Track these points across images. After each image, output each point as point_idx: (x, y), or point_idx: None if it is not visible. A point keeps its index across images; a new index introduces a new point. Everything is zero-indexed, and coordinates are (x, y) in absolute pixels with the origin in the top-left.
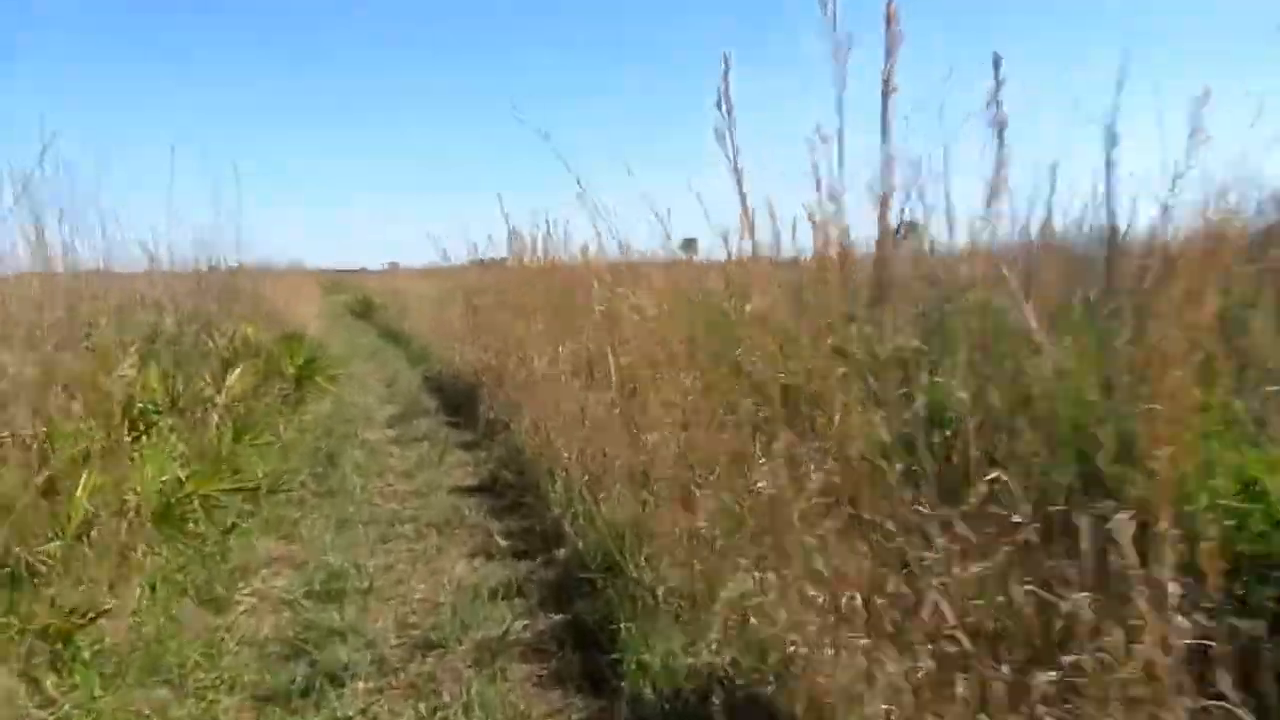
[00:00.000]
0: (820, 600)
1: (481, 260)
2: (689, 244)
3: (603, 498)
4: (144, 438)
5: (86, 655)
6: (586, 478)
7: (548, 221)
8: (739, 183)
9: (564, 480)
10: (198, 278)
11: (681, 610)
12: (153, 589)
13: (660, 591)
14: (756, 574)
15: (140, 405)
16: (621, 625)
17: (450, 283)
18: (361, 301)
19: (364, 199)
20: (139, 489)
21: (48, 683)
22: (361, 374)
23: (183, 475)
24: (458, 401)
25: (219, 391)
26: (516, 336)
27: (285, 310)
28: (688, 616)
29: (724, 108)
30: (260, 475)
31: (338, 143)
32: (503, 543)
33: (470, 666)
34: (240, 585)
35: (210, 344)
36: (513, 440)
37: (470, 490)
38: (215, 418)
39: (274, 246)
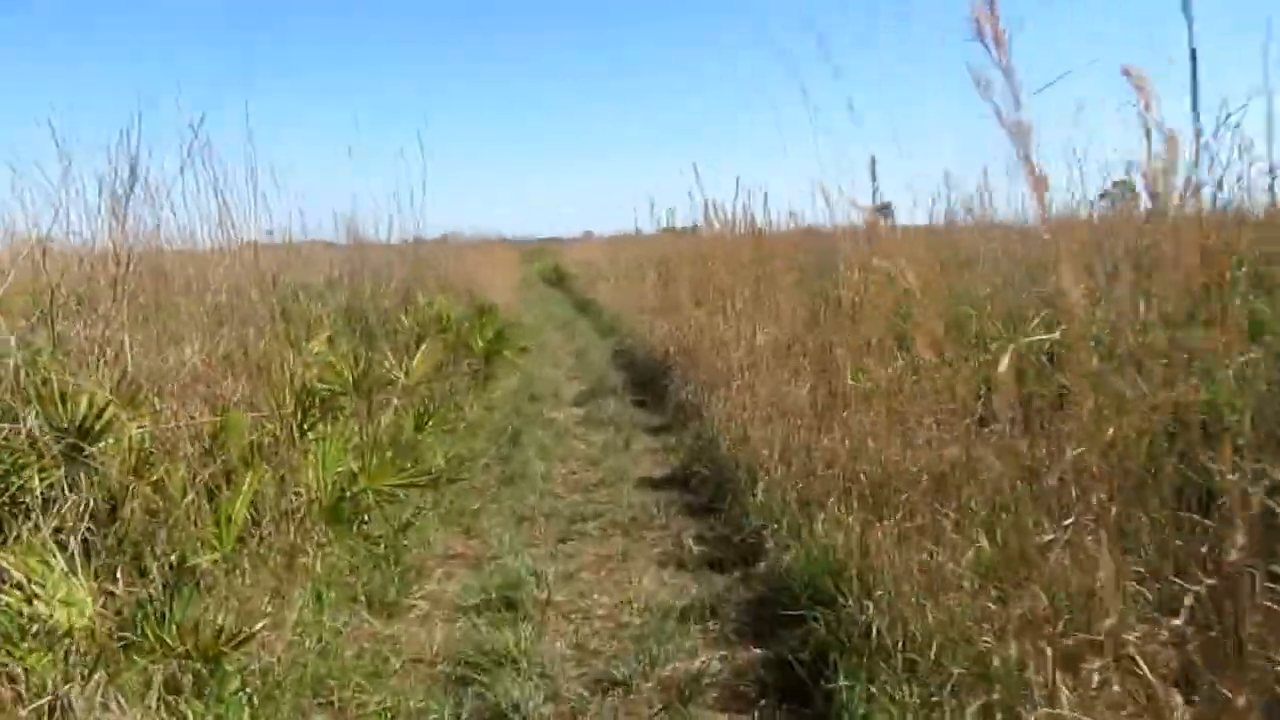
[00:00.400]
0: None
1: (673, 228)
2: (884, 209)
3: (820, 517)
4: (321, 425)
5: (235, 684)
6: (799, 486)
7: (746, 189)
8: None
9: (765, 484)
10: (390, 250)
11: (917, 667)
12: (318, 597)
13: (891, 643)
14: (1029, 645)
15: (322, 388)
16: (840, 681)
17: (640, 251)
18: (554, 270)
19: (561, 169)
20: (311, 484)
21: (189, 714)
22: (552, 345)
23: (357, 467)
24: (646, 379)
25: (404, 372)
26: (710, 311)
27: (480, 281)
28: (927, 675)
29: (989, 37)
30: (441, 462)
31: (543, 122)
32: (695, 549)
33: (658, 713)
34: (414, 588)
35: (401, 320)
36: (705, 430)
37: (659, 483)
38: (395, 401)
39: (473, 217)
